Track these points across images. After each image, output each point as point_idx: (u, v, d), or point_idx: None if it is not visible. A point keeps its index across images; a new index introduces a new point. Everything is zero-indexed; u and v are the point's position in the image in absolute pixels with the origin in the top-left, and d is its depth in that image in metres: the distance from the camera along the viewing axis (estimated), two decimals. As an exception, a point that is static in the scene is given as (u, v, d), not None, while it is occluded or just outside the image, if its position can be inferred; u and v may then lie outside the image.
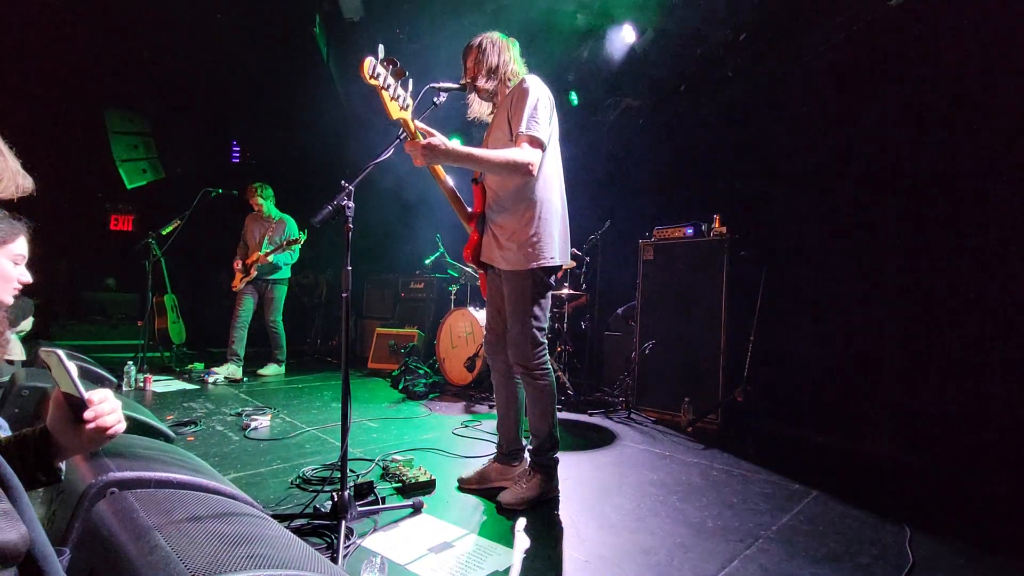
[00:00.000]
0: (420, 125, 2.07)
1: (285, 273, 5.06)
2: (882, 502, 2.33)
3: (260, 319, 5.04)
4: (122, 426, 1.00)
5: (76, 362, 3.04)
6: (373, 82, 1.71)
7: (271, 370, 5.02)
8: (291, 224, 5.03)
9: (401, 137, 1.96)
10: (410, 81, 1.86)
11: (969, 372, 2.94)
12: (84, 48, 5.68)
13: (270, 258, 4.80)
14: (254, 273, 4.86)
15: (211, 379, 4.51)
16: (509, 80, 2.19)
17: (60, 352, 0.95)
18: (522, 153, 1.98)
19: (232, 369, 4.68)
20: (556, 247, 2.14)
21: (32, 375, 2.33)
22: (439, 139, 2.02)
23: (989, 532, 2.12)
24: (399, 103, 1.84)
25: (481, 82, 2.19)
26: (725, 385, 3.52)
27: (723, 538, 1.92)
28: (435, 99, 2.08)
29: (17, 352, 3.49)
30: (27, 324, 3.76)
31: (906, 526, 2.06)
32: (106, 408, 0.97)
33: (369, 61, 1.67)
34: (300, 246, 4.85)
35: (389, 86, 1.77)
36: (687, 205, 4.48)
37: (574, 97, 5.22)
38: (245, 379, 4.69)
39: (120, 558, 0.97)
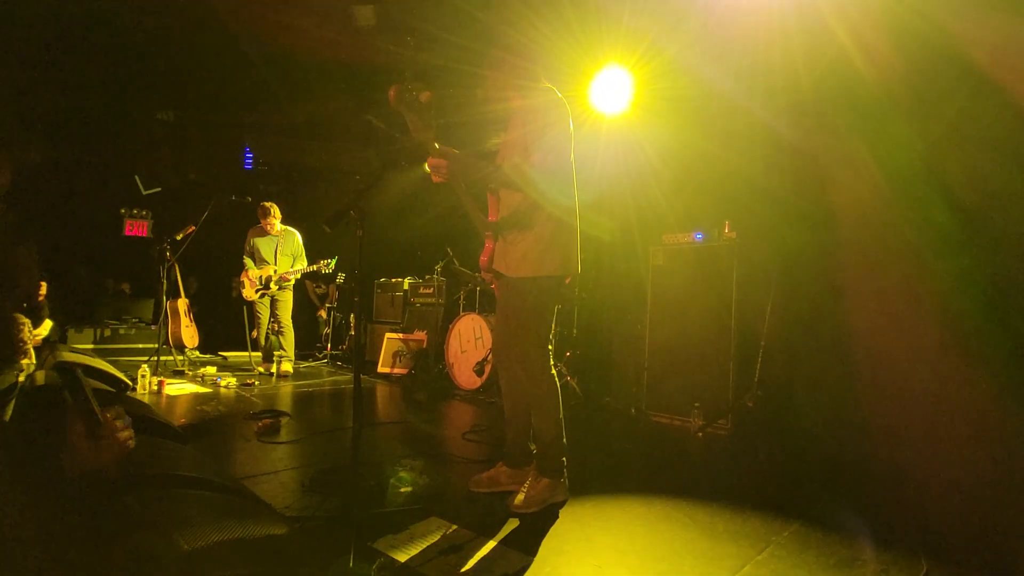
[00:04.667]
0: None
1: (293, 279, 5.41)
2: (896, 508, 2.30)
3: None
4: (132, 442, 1.05)
5: (92, 377, 3.09)
6: (400, 107, 1.77)
7: (288, 367, 5.22)
8: (296, 235, 5.38)
9: (414, 144, 2.00)
10: (434, 102, 1.92)
11: (988, 376, 2.89)
12: (100, 55, 5.80)
13: (292, 277, 5.24)
14: (274, 288, 5.19)
15: (223, 382, 4.56)
16: (523, 89, 2.22)
17: (79, 371, 0.99)
18: (535, 169, 2.04)
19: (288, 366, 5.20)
20: (563, 256, 2.17)
21: (48, 377, 2.38)
22: (457, 155, 2.05)
23: (1004, 538, 2.09)
24: (424, 124, 1.89)
25: (494, 91, 2.24)
26: (735, 390, 3.50)
27: (734, 543, 1.91)
28: (451, 117, 2.13)
29: (29, 355, 3.55)
30: (43, 328, 3.83)
31: (920, 532, 2.04)
32: (119, 425, 1.01)
33: (397, 87, 1.74)
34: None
35: (415, 109, 1.82)
36: (697, 210, 4.47)
37: (581, 101, 5.24)
38: (256, 382, 4.74)
39: (137, 555, 0.99)
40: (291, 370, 5.25)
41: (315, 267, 5.23)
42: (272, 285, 5.16)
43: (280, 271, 5.19)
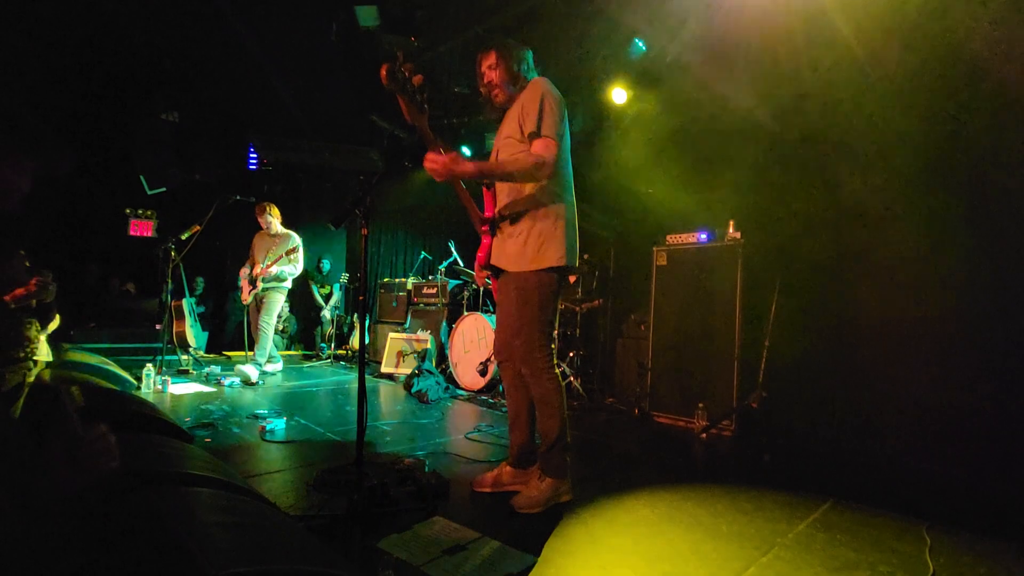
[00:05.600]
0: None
1: (285, 282, 5.15)
2: (901, 510, 2.29)
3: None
4: (116, 463, 1.02)
5: (97, 377, 3.10)
6: (391, 87, 1.75)
7: (247, 368, 4.75)
8: (292, 238, 5.15)
9: (416, 141, 2.00)
10: (427, 86, 1.91)
11: (990, 375, 2.88)
12: (106, 56, 5.84)
13: (272, 270, 4.97)
14: (260, 286, 5.04)
15: (227, 382, 4.58)
16: (521, 87, 2.22)
17: (63, 391, 0.99)
18: (536, 156, 2.02)
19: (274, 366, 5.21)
20: (564, 249, 2.14)
21: (57, 376, 2.39)
22: (456, 155, 2.04)
23: (1012, 540, 2.07)
24: (416, 107, 1.87)
25: (495, 89, 2.23)
26: (740, 391, 3.49)
27: (738, 545, 1.90)
28: (453, 119, 2.12)
29: (43, 352, 3.58)
30: (50, 328, 3.84)
31: (926, 534, 2.03)
32: (100, 446, 0.99)
33: (388, 67, 1.72)
34: (301, 257, 5.07)
35: (407, 91, 1.81)
36: (701, 210, 4.46)
37: (586, 104, 5.23)
38: (260, 383, 4.75)
39: (144, 551, 0.99)
40: (252, 378, 4.69)
41: (282, 259, 4.94)
42: (258, 283, 5.02)
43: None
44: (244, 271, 5.17)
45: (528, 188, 2.12)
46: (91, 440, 0.97)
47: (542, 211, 2.12)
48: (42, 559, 0.86)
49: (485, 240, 2.28)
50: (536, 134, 2.03)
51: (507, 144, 2.18)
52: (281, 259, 4.96)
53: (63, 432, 0.96)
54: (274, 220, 5.16)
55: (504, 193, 2.21)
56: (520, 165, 2.03)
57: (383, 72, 1.74)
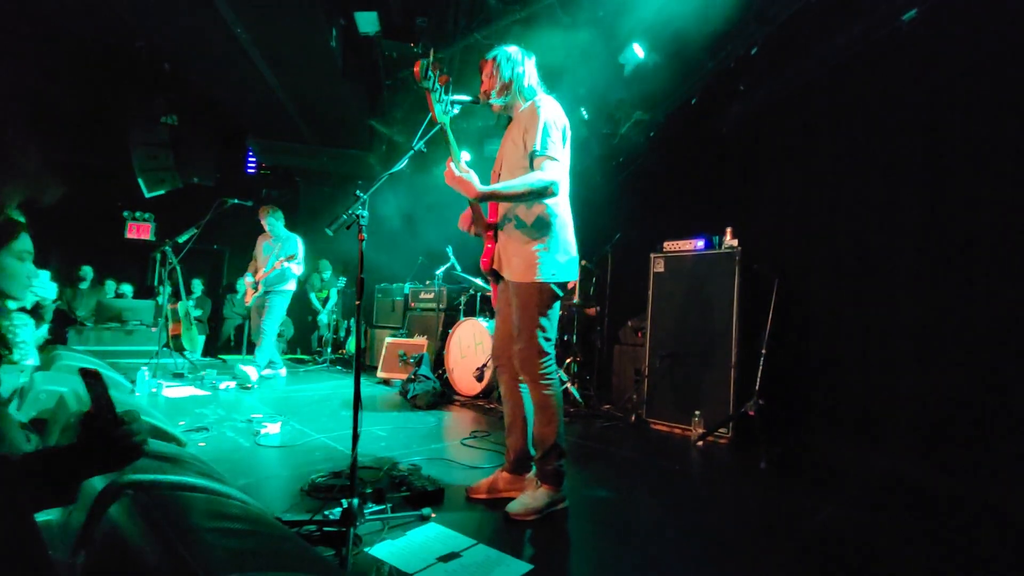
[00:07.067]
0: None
1: (287, 286, 5.13)
2: (898, 517, 2.29)
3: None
4: (145, 448, 1.04)
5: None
6: (424, 84, 1.81)
7: (247, 368, 4.73)
8: (292, 242, 5.14)
9: (415, 148, 2.02)
10: (451, 88, 1.96)
11: (990, 381, 2.88)
12: (106, 59, 5.85)
13: (271, 275, 5.00)
14: (260, 289, 5.05)
15: (223, 385, 4.55)
16: (524, 96, 2.23)
17: (100, 371, 0.98)
18: (543, 175, 2.05)
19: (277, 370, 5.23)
20: (564, 262, 2.17)
21: (49, 379, 2.37)
22: (470, 180, 2.06)
23: (1008, 545, 2.07)
24: (443, 107, 1.92)
25: (495, 96, 2.24)
26: (737, 399, 3.49)
27: (736, 554, 1.90)
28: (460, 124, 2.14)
29: (32, 356, 3.54)
30: (42, 330, 3.82)
31: (924, 541, 2.02)
32: (135, 428, 1.01)
33: (422, 64, 1.78)
34: (300, 260, 5.07)
35: (436, 90, 1.86)
36: (698, 218, 4.48)
37: (583, 112, 5.25)
38: (255, 384, 4.73)
39: (135, 560, 0.98)
40: (251, 378, 4.69)
41: (274, 265, 4.96)
42: (259, 287, 5.04)
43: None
44: (247, 279, 5.17)
45: (530, 203, 2.14)
46: (128, 422, 0.98)
47: (542, 224, 2.14)
48: None
49: (489, 245, 2.30)
50: (539, 155, 2.06)
51: (510, 157, 2.22)
52: (276, 267, 4.97)
53: (101, 412, 0.96)
54: (277, 223, 5.16)
55: (505, 203, 2.23)
56: (527, 187, 2.04)
57: (416, 68, 1.83)
